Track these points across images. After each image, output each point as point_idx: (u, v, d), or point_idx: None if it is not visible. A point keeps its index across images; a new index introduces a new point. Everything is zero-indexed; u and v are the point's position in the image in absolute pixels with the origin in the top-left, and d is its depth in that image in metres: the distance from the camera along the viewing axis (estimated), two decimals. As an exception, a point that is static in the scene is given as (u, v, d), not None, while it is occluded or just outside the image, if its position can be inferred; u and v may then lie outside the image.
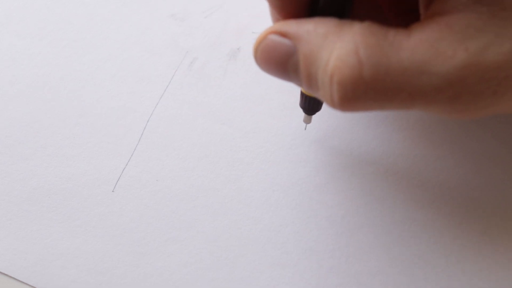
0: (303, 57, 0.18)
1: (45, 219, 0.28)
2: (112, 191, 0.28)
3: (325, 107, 0.28)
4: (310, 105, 0.25)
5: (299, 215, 0.27)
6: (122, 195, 0.28)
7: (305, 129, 0.28)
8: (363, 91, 0.17)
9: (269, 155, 0.28)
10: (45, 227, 0.28)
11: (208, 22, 0.32)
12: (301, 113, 0.28)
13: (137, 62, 0.31)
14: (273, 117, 0.28)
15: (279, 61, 0.19)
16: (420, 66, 0.17)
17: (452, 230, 0.26)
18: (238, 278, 0.26)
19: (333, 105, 0.18)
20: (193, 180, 0.28)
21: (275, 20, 0.22)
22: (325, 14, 0.19)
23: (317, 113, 0.28)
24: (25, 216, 0.28)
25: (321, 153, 0.28)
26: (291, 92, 0.29)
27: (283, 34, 0.19)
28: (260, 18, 0.31)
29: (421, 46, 0.17)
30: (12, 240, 0.28)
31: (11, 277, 0.27)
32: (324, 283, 0.25)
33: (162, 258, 0.27)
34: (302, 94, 0.25)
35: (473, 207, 0.26)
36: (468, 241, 0.25)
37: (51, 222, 0.28)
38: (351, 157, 0.27)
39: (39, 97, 0.30)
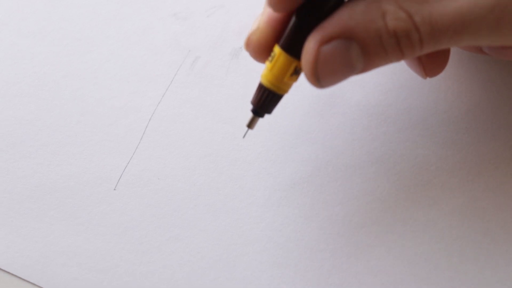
0: (363, 39, 0.19)
1: (46, 217, 0.28)
2: (114, 189, 0.28)
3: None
4: (266, 102, 0.23)
5: (301, 215, 0.27)
6: (124, 193, 0.28)
7: (244, 137, 0.27)
8: (420, 37, 0.19)
9: (270, 154, 0.28)
10: (47, 225, 0.28)
11: (210, 21, 0.32)
12: (302, 115, 0.28)
13: (139, 61, 0.31)
14: (274, 117, 0.29)
15: (344, 62, 0.19)
16: (456, 0, 0.18)
17: (453, 230, 0.26)
18: (240, 277, 0.26)
19: (402, 57, 0.20)
20: (195, 179, 0.28)
21: (268, 19, 0.22)
22: None
23: (318, 113, 0.28)
24: (27, 214, 0.28)
25: (323, 152, 0.28)
26: (292, 91, 0.29)
27: (330, 39, 0.19)
28: (262, 18, 0.31)
29: None
30: (13, 237, 0.28)
31: (12, 274, 0.27)
32: (325, 283, 0.26)
33: (164, 256, 0.27)
34: (261, 88, 0.23)
35: (474, 208, 0.26)
36: (470, 242, 0.25)
37: (52, 220, 0.28)
38: (353, 157, 0.28)
39: (41, 95, 0.31)
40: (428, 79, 0.26)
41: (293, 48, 0.21)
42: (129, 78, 0.31)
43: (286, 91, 0.23)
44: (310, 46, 0.19)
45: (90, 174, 0.29)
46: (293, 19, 0.21)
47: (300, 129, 0.28)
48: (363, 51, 0.19)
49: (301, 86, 0.28)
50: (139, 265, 0.27)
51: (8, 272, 0.27)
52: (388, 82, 0.29)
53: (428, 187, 0.26)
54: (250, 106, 0.23)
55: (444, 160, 0.27)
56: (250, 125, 0.24)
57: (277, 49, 0.22)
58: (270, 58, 0.22)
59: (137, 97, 0.30)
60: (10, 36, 0.32)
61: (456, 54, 0.28)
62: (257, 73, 0.30)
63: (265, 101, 0.23)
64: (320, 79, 0.20)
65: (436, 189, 0.26)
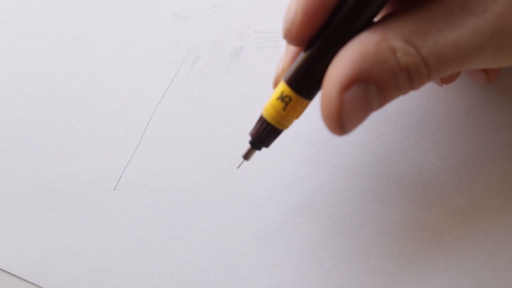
0: (379, 80, 0.19)
1: (46, 217, 0.28)
2: (114, 189, 0.28)
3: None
4: (265, 136, 0.23)
5: (301, 215, 0.27)
6: (124, 193, 0.28)
7: (238, 168, 0.26)
8: (428, 70, 0.19)
9: (270, 154, 0.28)
10: (47, 225, 0.28)
11: (211, 21, 0.32)
12: (302, 114, 0.28)
13: (139, 61, 0.31)
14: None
15: (365, 105, 0.19)
16: (458, 30, 0.19)
17: (453, 231, 0.26)
18: (240, 277, 0.26)
19: (412, 90, 0.20)
20: (195, 179, 0.28)
21: (291, 59, 0.23)
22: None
23: (318, 113, 0.27)
24: (27, 214, 0.28)
25: (323, 153, 0.28)
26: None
27: (349, 84, 0.19)
28: (262, 17, 0.31)
29: (453, 14, 0.19)
30: (13, 238, 0.28)
31: (12, 274, 0.27)
32: (325, 283, 0.26)
33: (164, 256, 0.27)
34: (263, 121, 0.22)
35: (475, 208, 0.26)
36: (470, 242, 0.25)
37: (52, 220, 0.28)
38: (353, 157, 0.28)
39: (41, 95, 0.31)
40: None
41: (307, 90, 0.21)
42: (129, 78, 0.31)
43: (287, 126, 0.23)
44: (331, 95, 0.19)
45: (90, 174, 0.29)
46: (302, 56, 0.21)
47: (300, 129, 0.28)
48: (379, 90, 0.19)
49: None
50: (139, 265, 0.27)
51: (8, 272, 0.27)
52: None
53: (428, 187, 0.27)
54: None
55: (444, 160, 0.27)
56: (246, 156, 0.24)
57: (287, 90, 0.21)
58: (277, 95, 0.21)
59: (137, 97, 0.30)
60: (10, 36, 0.32)
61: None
62: (256, 72, 0.30)
63: (265, 135, 0.23)
64: (345, 127, 0.19)
65: (436, 189, 0.26)
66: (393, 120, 0.28)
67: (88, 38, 0.32)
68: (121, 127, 0.29)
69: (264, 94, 0.29)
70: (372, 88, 0.19)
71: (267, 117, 0.22)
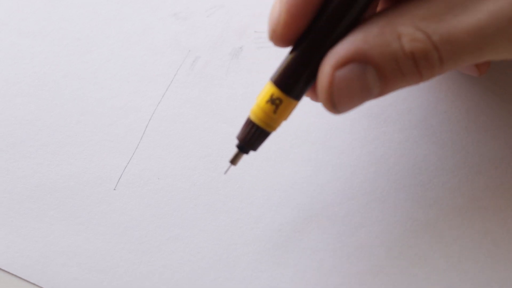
0: (378, 63, 0.18)
1: (46, 217, 0.28)
2: (114, 189, 0.28)
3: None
4: (254, 139, 0.22)
5: (300, 215, 0.27)
6: (124, 193, 0.28)
7: (225, 173, 0.25)
8: (439, 56, 0.18)
9: (270, 154, 0.28)
10: (47, 225, 0.28)
11: (210, 21, 0.32)
12: (302, 114, 0.28)
13: (139, 61, 0.31)
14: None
15: (361, 86, 0.19)
16: (474, 15, 0.18)
17: (453, 230, 0.26)
18: (239, 277, 0.26)
19: (421, 79, 0.19)
20: (195, 178, 0.28)
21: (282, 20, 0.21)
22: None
23: (318, 113, 0.27)
24: (27, 214, 0.28)
25: (322, 152, 0.28)
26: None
27: (344, 63, 0.18)
28: (262, 17, 0.31)
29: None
30: (13, 237, 0.28)
31: (12, 274, 0.27)
32: (325, 283, 0.26)
33: (164, 256, 0.27)
34: (250, 124, 0.22)
35: (475, 208, 0.26)
36: (470, 242, 0.25)
37: (52, 220, 0.28)
38: (352, 157, 0.28)
39: (41, 95, 0.31)
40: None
41: (297, 91, 0.21)
42: (129, 78, 0.31)
43: (276, 128, 0.22)
44: (324, 71, 0.19)
45: (90, 174, 0.29)
46: (290, 56, 0.20)
47: (300, 129, 0.28)
48: (379, 75, 0.19)
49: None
50: (139, 265, 0.27)
51: (8, 272, 0.27)
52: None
53: (428, 187, 0.26)
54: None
55: (444, 160, 0.27)
56: (234, 161, 0.24)
57: (277, 92, 0.21)
58: (267, 98, 0.21)
59: (137, 97, 0.30)
60: (10, 36, 0.32)
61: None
62: (256, 73, 0.30)
63: (255, 138, 0.22)
64: (336, 104, 0.19)
65: (436, 189, 0.26)
66: (393, 120, 0.28)
67: (88, 38, 0.32)
68: (121, 127, 0.29)
69: (264, 94, 0.29)
70: (371, 71, 0.18)
71: (256, 120, 0.22)
